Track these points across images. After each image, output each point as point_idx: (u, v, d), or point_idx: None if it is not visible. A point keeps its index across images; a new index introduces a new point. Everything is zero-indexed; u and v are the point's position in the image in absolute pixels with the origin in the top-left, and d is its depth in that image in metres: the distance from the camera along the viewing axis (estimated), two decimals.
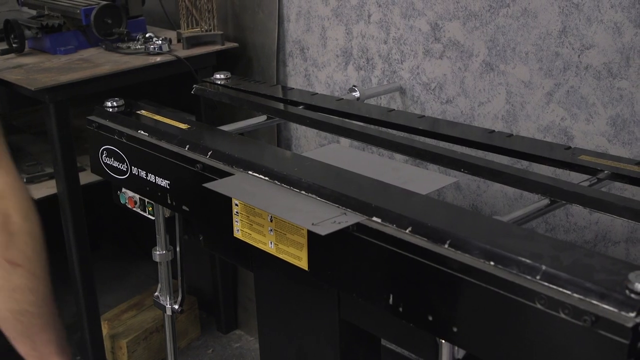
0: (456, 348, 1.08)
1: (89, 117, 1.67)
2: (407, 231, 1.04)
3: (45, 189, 2.24)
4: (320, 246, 1.17)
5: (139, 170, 1.54)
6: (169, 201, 1.49)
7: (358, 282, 1.14)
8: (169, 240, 1.80)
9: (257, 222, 1.26)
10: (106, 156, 1.63)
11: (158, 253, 1.81)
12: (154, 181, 1.50)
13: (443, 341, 1.09)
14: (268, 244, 1.25)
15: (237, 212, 1.30)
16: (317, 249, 1.18)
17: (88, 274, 2.27)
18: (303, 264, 1.19)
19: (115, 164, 1.61)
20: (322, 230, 1.07)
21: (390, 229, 1.06)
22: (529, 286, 0.90)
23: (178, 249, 1.80)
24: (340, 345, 1.34)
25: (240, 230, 1.30)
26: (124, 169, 1.58)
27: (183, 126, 1.54)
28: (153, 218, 1.73)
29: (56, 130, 2.10)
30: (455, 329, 0.99)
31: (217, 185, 1.29)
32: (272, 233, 1.23)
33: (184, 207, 1.45)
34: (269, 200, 1.22)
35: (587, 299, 0.85)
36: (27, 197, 0.99)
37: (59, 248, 2.07)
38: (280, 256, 1.23)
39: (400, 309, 1.06)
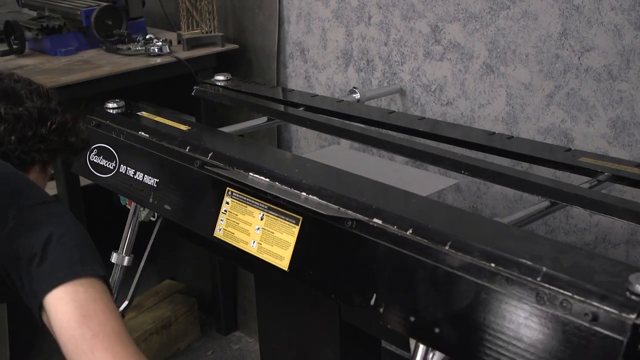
0: (430, 354, 1.05)
1: (89, 116, 1.67)
2: (408, 233, 1.04)
3: (45, 190, 2.24)
4: (309, 244, 1.16)
5: (128, 168, 1.54)
6: (151, 200, 1.48)
7: (341, 283, 1.12)
8: (129, 247, 1.75)
9: (245, 220, 1.25)
10: (95, 154, 1.62)
11: (118, 255, 1.75)
12: (141, 179, 1.50)
13: (421, 346, 1.06)
14: (250, 244, 1.24)
15: (225, 211, 1.29)
16: (306, 248, 1.17)
17: None
18: (284, 264, 1.18)
19: (103, 162, 1.60)
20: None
21: (391, 230, 1.06)
22: (530, 287, 0.90)
23: (147, 253, 1.75)
24: (340, 346, 1.34)
25: (223, 229, 1.29)
26: (111, 167, 1.57)
27: (183, 127, 1.55)
28: (153, 219, 1.72)
29: None
30: (437, 330, 0.98)
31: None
32: (258, 232, 1.23)
33: (166, 207, 1.44)
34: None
35: (588, 301, 0.85)
36: None
37: None
38: (260, 256, 1.22)
39: (381, 310, 1.05)
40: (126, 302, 1.79)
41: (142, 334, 2.57)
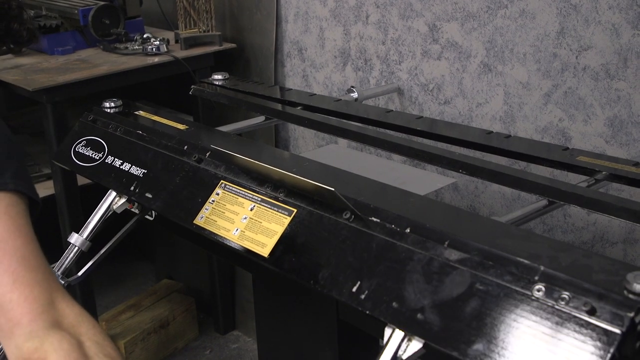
0: (402, 347, 1.04)
1: (88, 112, 1.67)
2: (406, 231, 1.04)
3: (43, 189, 2.24)
4: (297, 233, 1.15)
5: (115, 159, 1.53)
6: (132, 188, 1.46)
7: (324, 270, 1.11)
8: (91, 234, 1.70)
9: (232, 210, 1.24)
10: (83, 145, 1.61)
11: (78, 237, 1.69)
12: (127, 170, 1.49)
13: (396, 334, 1.04)
14: (232, 231, 1.23)
15: (212, 201, 1.29)
16: (292, 237, 1.15)
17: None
18: (265, 251, 1.17)
19: (89, 152, 1.58)
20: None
21: (388, 226, 1.06)
22: (527, 284, 0.89)
23: (114, 240, 1.72)
24: (338, 345, 1.34)
25: (205, 217, 1.28)
26: (97, 158, 1.56)
27: (181, 127, 1.54)
28: (151, 219, 1.71)
29: (54, 131, 2.09)
30: (421, 317, 0.97)
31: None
32: (244, 221, 1.22)
33: (147, 195, 1.43)
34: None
35: (585, 299, 0.85)
36: (98, 326, 0.94)
37: (56, 249, 2.07)
38: (242, 243, 1.21)
39: (362, 297, 1.03)
40: (77, 275, 1.73)
41: (140, 333, 2.57)
